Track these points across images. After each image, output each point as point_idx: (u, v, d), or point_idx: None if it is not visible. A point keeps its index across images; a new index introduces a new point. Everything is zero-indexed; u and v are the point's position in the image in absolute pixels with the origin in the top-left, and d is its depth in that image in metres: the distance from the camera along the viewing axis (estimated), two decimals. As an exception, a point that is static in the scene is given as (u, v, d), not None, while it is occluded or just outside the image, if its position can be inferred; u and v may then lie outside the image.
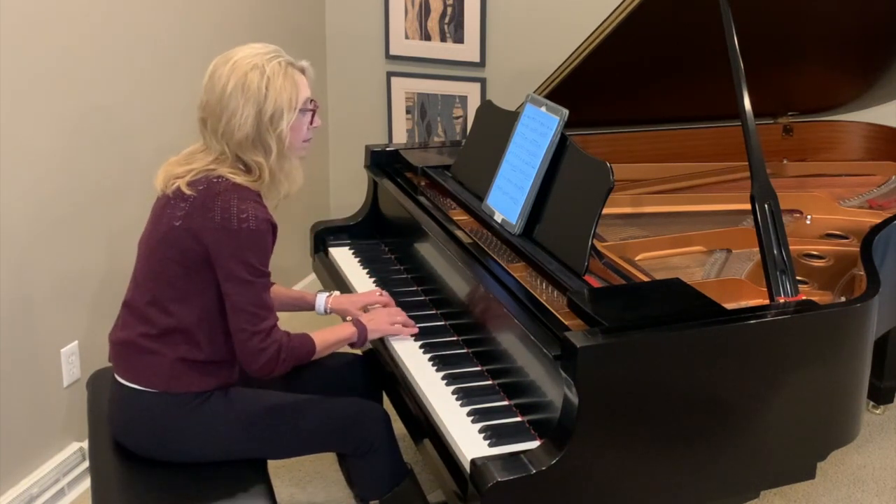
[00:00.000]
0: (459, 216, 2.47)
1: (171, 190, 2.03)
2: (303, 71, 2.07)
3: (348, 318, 2.31)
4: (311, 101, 2.08)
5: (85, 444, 2.68)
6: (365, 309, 2.38)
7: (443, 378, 2.07)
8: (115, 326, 2.16)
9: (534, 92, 2.61)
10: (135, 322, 2.07)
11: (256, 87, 1.97)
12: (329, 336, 2.18)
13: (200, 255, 1.98)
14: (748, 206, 2.09)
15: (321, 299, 2.41)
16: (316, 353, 2.13)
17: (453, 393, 2.02)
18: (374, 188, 2.88)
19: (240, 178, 2.01)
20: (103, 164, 2.75)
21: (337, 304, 2.41)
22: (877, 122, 3.27)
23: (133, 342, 2.05)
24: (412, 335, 2.26)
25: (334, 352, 2.51)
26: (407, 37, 3.87)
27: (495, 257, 2.21)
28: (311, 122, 2.10)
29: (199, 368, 2.04)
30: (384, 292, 2.42)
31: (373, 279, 2.60)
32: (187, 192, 1.99)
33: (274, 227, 2.03)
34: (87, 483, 2.58)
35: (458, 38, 3.78)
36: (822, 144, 3.28)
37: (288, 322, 3.73)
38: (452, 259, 2.26)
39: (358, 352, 2.44)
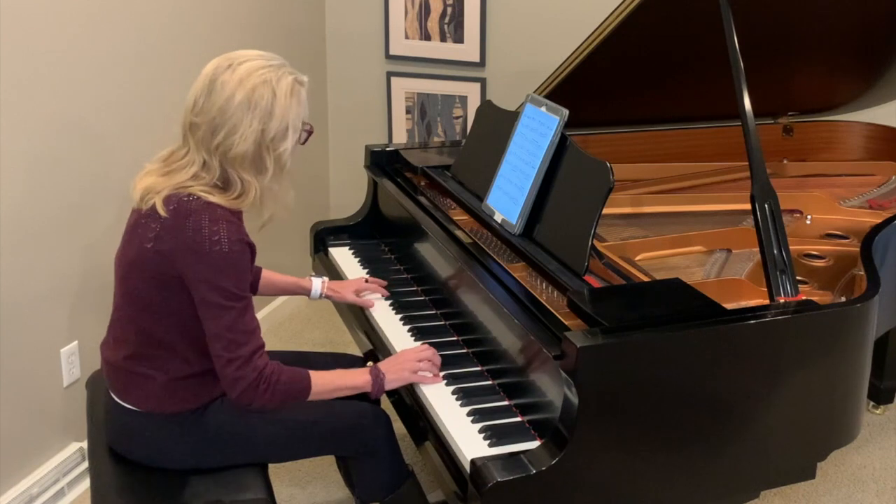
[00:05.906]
0: (459, 216, 2.47)
1: (146, 206, 1.92)
2: (302, 85, 1.96)
3: (369, 364, 2.20)
4: (307, 123, 1.99)
5: (84, 445, 2.68)
6: (358, 294, 2.44)
7: (443, 378, 2.07)
8: (105, 341, 2.10)
9: (534, 92, 2.61)
10: (118, 345, 2.02)
11: (266, 103, 1.87)
12: (337, 380, 2.03)
13: (175, 277, 1.88)
14: (748, 206, 2.09)
15: (317, 284, 2.46)
16: (317, 394, 1.99)
17: (453, 393, 2.02)
18: (373, 188, 2.88)
19: (215, 197, 1.89)
20: (104, 160, 2.75)
21: (331, 290, 2.46)
22: (877, 122, 3.27)
23: (121, 366, 2.00)
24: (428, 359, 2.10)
25: (333, 353, 2.52)
26: (407, 37, 3.86)
27: (495, 257, 2.20)
28: (303, 143, 2.00)
29: (194, 382, 1.98)
30: (373, 279, 2.49)
31: (373, 279, 2.60)
32: (160, 212, 1.87)
33: (251, 248, 1.93)
34: (86, 483, 2.58)
35: (458, 38, 3.78)
36: (822, 144, 3.28)
37: (280, 309, 3.78)
38: (452, 259, 2.26)
39: (359, 354, 2.44)
